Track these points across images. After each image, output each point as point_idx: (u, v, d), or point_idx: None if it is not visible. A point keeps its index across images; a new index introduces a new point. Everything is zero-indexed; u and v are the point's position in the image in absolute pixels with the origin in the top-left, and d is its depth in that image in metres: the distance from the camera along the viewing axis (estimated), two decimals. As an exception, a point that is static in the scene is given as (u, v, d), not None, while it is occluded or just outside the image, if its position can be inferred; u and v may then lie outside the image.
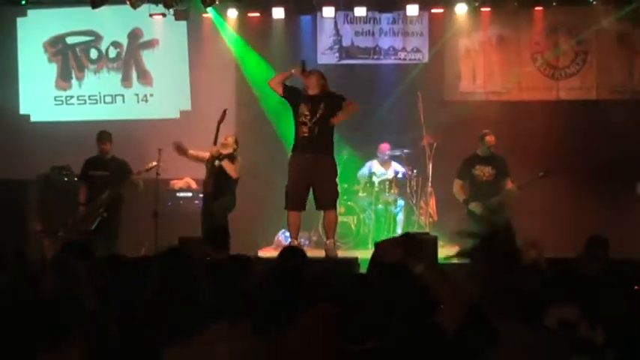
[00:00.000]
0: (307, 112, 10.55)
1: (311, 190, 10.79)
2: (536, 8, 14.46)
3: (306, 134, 10.59)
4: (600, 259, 7.98)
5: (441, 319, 4.07)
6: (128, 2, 13.58)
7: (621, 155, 13.83)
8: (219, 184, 11.61)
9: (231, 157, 11.58)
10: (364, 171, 13.82)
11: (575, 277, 5.37)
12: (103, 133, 12.32)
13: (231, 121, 13.15)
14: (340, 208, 12.19)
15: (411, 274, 4.20)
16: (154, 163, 12.06)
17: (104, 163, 12.22)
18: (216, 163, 11.53)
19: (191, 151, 11.89)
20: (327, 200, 10.85)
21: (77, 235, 11.47)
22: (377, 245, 4.28)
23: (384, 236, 13.06)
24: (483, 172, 12.13)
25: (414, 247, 4.15)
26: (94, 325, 4.68)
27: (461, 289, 4.22)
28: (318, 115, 10.55)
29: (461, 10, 14.36)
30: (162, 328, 4.39)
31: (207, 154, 11.75)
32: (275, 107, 13.48)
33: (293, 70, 10.82)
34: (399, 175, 13.58)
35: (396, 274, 4.26)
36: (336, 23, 14.88)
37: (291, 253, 7.39)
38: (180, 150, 11.80)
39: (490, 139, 12.12)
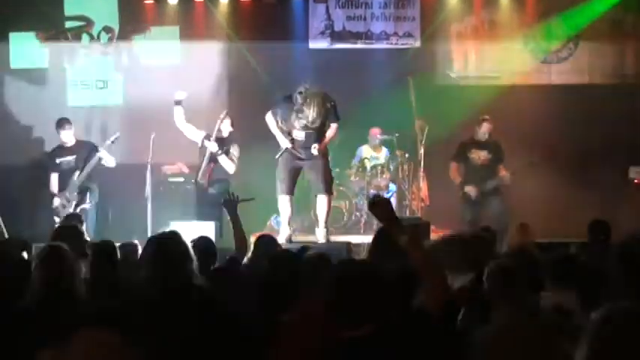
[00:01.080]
0: (299, 127, 10.67)
1: (304, 175, 10.82)
2: (528, -8, 14.50)
3: (301, 139, 10.69)
4: (604, 243, 8.00)
5: (423, 299, 4.07)
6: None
7: (613, 139, 13.85)
8: (213, 169, 11.66)
9: (226, 147, 11.63)
10: (356, 158, 13.83)
11: (571, 262, 5.37)
12: (61, 119, 12.27)
13: (223, 106, 13.17)
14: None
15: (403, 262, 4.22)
16: (117, 134, 12.03)
17: (69, 150, 12.17)
18: (219, 152, 11.58)
19: (187, 125, 11.85)
20: (323, 186, 10.86)
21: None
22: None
23: (376, 222, 13.08)
24: (479, 155, 12.15)
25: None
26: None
27: (438, 267, 4.23)
28: (312, 127, 10.65)
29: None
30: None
31: (202, 132, 11.82)
32: (268, 93, 13.49)
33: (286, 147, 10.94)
34: (392, 164, 13.57)
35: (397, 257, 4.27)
36: (327, 7, 14.85)
37: (266, 241, 7.43)
38: (178, 110, 11.77)
39: (487, 126, 12.15)
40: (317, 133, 10.77)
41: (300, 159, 10.84)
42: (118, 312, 4.46)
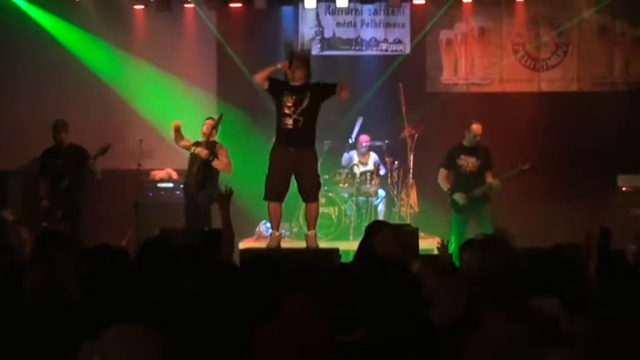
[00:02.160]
0: (291, 104, 10.46)
1: (293, 181, 10.77)
2: (518, 0, 14.51)
3: (290, 126, 10.44)
4: (604, 249, 7.98)
5: (434, 316, 4.08)
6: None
7: (601, 147, 13.88)
8: (204, 175, 11.66)
9: (215, 151, 11.64)
10: (343, 164, 13.82)
11: (557, 267, 5.38)
12: (59, 121, 12.09)
13: (212, 111, 13.20)
14: (321, 199, 12.18)
15: (400, 269, 4.22)
16: (107, 145, 11.89)
17: (61, 153, 12.05)
18: (211, 158, 11.58)
19: (183, 141, 11.90)
20: (311, 192, 10.82)
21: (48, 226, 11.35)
22: (370, 233, 4.32)
23: (364, 227, 13.09)
24: (468, 162, 12.13)
25: (409, 243, 4.21)
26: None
27: (458, 288, 4.24)
28: (303, 106, 10.46)
29: (442, 1, 14.39)
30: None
31: (191, 142, 11.85)
32: (258, 100, 13.52)
33: (279, 65, 10.70)
34: (381, 172, 13.58)
35: (386, 268, 4.27)
36: (317, 14, 14.88)
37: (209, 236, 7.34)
38: (177, 134, 11.78)
39: (476, 127, 12.10)
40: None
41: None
42: (148, 308, 4.47)
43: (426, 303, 4.28)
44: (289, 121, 10.40)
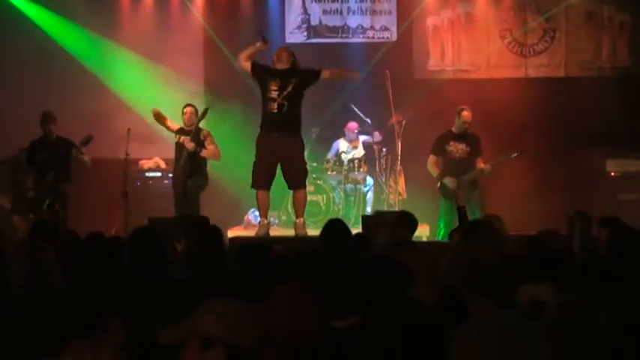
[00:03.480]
0: (276, 88, 10.47)
1: (279, 169, 10.77)
2: (504, -14, 14.53)
3: (275, 110, 10.48)
4: (584, 235, 7.99)
5: (417, 295, 4.08)
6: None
7: (590, 132, 13.89)
8: (192, 164, 11.65)
9: (201, 140, 11.63)
10: (332, 152, 13.84)
11: (548, 254, 5.38)
12: (46, 114, 12.04)
13: (200, 100, 13.20)
14: (309, 187, 12.18)
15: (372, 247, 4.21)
16: (89, 136, 11.83)
17: (49, 145, 11.98)
18: (198, 149, 11.58)
19: (168, 122, 11.90)
20: (297, 179, 10.82)
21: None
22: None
23: (353, 215, 13.11)
24: (457, 148, 12.13)
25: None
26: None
27: (434, 269, 4.24)
28: (288, 90, 10.46)
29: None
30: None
31: (175, 127, 11.92)
32: (245, 88, 13.50)
33: (258, 44, 10.76)
34: (371, 141, 13.55)
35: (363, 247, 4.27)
36: (304, 2, 14.85)
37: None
38: (159, 116, 11.78)
39: (466, 114, 12.10)
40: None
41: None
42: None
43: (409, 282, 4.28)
44: (274, 105, 10.46)
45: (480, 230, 5.14)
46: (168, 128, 11.96)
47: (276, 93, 10.46)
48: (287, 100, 10.47)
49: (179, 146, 11.79)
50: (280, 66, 10.60)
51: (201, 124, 11.83)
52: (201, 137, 11.71)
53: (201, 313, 3.15)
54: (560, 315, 3.21)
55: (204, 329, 3.09)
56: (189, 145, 11.57)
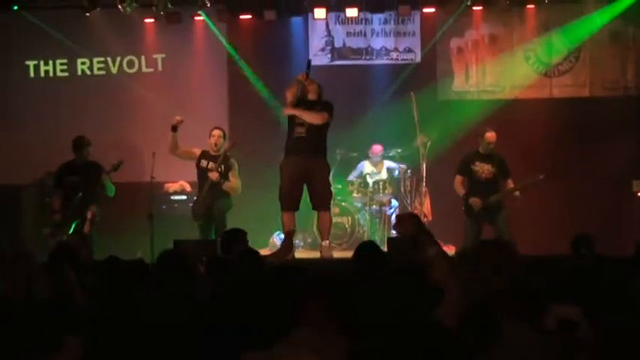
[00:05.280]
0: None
1: (305, 190, 10.83)
2: (528, 6, 14.47)
3: (302, 134, 10.65)
4: (587, 257, 7.96)
5: (442, 313, 4.05)
6: (120, 6, 13.59)
7: (616, 152, 13.83)
8: (212, 198, 11.68)
9: (226, 171, 11.67)
10: (355, 173, 13.84)
11: (575, 276, 5.34)
12: (82, 138, 12.10)
13: (224, 123, 13.24)
14: (334, 209, 12.18)
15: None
16: (119, 161, 11.85)
17: (78, 168, 12.02)
18: (222, 181, 11.61)
19: (183, 148, 11.90)
20: (322, 201, 10.86)
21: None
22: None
23: (378, 237, 13.08)
24: (483, 169, 12.09)
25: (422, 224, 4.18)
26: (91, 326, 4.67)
27: (466, 282, 4.21)
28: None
29: (453, 9, 14.37)
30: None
31: (197, 152, 11.92)
32: (269, 111, 13.58)
33: (299, 77, 10.92)
34: (395, 172, 13.58)
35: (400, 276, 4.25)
36: (327, 24, 14.87)
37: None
38: (174, 138, 11.77)
39: (490, 135, 12.08)
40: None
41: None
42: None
43: (438, 296, 4.25)
44: (302, 130, 10.65)
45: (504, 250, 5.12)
46: (183, 153, 11.95)
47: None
48: (314, 126, 10.63)
49: (202, 170, 11.80)
50: (311, 96, 10.80)
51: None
52: (228, 165, 11.73)
53: None
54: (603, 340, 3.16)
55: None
56: (214, 176, 11.61)
